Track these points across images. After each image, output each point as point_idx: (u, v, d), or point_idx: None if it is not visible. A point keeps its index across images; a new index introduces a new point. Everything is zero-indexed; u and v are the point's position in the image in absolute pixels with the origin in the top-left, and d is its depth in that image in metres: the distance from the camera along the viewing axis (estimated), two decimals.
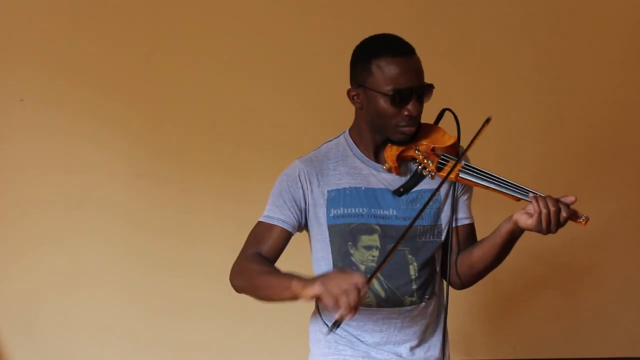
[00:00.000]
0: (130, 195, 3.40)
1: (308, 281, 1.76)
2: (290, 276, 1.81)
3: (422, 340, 2.04)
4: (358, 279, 1.69)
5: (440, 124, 2.04)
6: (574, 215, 1.82)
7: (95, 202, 3.38)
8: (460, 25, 3.49)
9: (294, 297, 1.79)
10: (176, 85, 3.42)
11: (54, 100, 3.37)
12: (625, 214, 3.53)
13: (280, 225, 1.97)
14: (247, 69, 3.43)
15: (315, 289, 1.71)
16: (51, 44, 3.37)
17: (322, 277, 1.73)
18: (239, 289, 1.97)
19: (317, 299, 1.73)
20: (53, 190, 3.37)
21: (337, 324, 1.70)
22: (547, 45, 3.52)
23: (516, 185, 1.88)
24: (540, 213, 1.80)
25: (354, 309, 1.68)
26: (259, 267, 1.90)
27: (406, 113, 1.91)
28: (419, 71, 1.92)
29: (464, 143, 1.97)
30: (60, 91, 3.37)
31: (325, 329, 2.03)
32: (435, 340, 2.07)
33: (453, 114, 1.99)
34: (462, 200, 2.06)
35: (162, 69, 3.41)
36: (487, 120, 1.94)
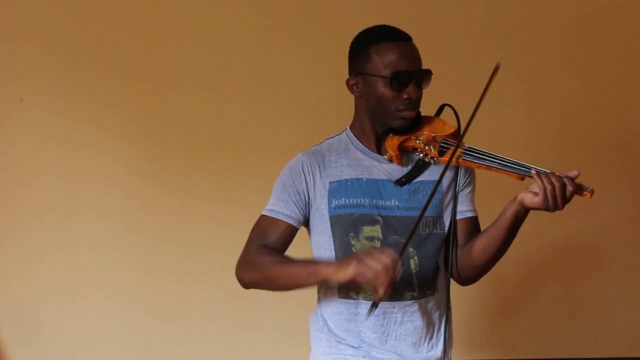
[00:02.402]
0: (129, 200, 3.39)
1: (340, 265, 1.79)
2: (313, 262, 1.84)
3: (424, 339, 2.03)
4: (391, 256, 1.73)
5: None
6: (579, 189, 1.82)
7: (95, 208, 3.37)
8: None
9: (321, 282, 1.82)
10: (176, 90, 3.41)
11: (54, 106, 3.37)
12: (625, 215, 3.53)
13: (286, 221, 1.97)
14: (248, 76, 3.42)
15: (350, 272, 1.74)
16: (52, 47, 3.37)
17: (355, 259, 1.75)
18: (247, 284, 1.95)
19: (351, 281, 1.76)
20: (53, 193, 3.37)
21: (375, 305, 1.75)
22: (541, 41, 3.52)
23: (519, 164, 1.88)
24: (545, 189, 1.80)
25: (391, 287, 1.72)
26: (271, 258, 1.90)
27: (406, 96, 1.92)
28: (416, 56, 1.94)
29: (476, 97, 1.93)
30: (61, 98, 3.36)
31: (327, 329, 2.02)
32: (438, 339, 2.05)
33: (453, 109, 2.00)
34: (465, 193, 2.05)
35: (163, 74, 3.41)
36: (496, 69, 1.92)
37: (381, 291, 1.72)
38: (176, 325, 3.41)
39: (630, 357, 3.54)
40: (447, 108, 2.03)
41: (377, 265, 1.72)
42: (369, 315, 1.85)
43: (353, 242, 1.96)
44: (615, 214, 3.49)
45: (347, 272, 1.75)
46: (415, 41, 1.97)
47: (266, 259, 1.91)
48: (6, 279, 3.36)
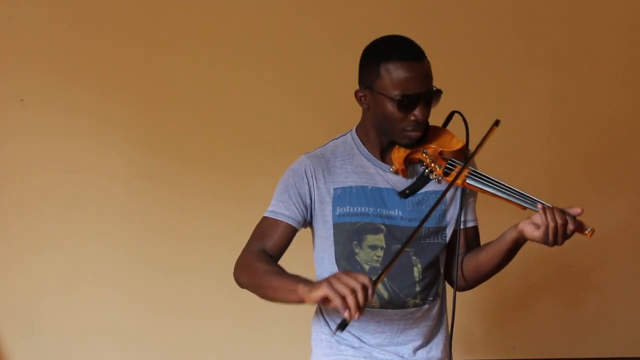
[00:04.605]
0: (129, 195, 3.40)
1: (314, 284, 1.73)
2: (297, 279, 1.79)
3: (425, 342, 2.04)
4: (364, 278, 1.67)
5: (449, 127, 2.03)
6: (580, 228, 1.82)
7: (94, 202, 3.38)
8: (466, 28, 3.50)
9: (300, 301, 1.77)
10: (176, 85, 3.42)
11: (54, 100, 3.37)
12: (626, 215, 3.53)
13: (286, 221, 1.96)
14: (248, 69, 3.43)
15: (322, 291, 1.68)
16: (51, 44, 3.37)
17: (328, 279, 1.70)
18: (242, 285, 1.96)
19: (323, 302, 1.70)
20: (53, 190, 3.37)
21: (344, 325, 1.68)
22: (552, 50, 3.53)
23: (522, 194, 1.88)
24: (547, 226, 1.80)
25: (362, 308, 1.66)
26: (264, 267, 1.89)
27: (412, 118, 1.90)
28: (427, 76, 1.91)
29: (472, 146, 1.97)
30: (60, 91, 3.37)
31: (329, 330, 2.03)
32: (438, 341, 2.07)
33: (462, 116, 1.98)
34: (468, 202, 2.06)
35: (162, 68, 3.41)
36: (496, 123, 1.94)
37: (347, 313, 1.65)
38: (176, 320, 3.41)
39: (630, 357, 3.54)
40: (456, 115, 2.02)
41: (347, 287, 1.65)
42: (334, 334, 1.82)
43: (356, 250, 1.97)
44: (615, 215, 3.49)
45: (318, 292, 1.69)
46: (429, 44, 1.95)
47: (260, 266, 1.90)
48: (5, 273, 3.37)
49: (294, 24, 3.46)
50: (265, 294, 1.88)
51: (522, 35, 3.52)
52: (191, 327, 3.41)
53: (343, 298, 1.65)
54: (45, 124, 3.37)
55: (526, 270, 3.48)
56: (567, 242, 3.54)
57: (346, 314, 1.66)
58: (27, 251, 3.37)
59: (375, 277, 1.74)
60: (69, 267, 3.38)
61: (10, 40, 3.36)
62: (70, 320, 3.38)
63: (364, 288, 1.66)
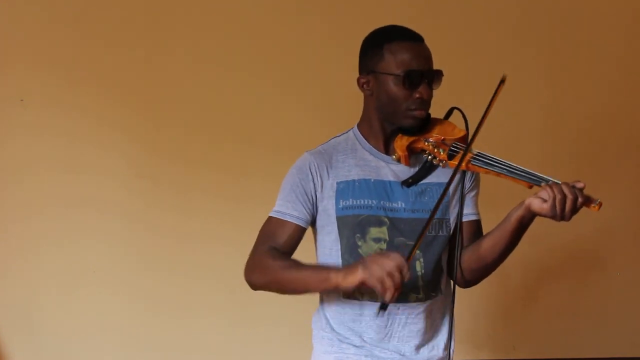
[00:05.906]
0: (129, 195, 3.39)
1: (348, 269, 1.80)
2: (325, 268, 1.86)
3: (426, 340, 2.03)
4: (398, 259, 1.74)
5: None
6: (588, 201, 1.82)
7: (94, 202, 3.37)
8: (464, 28, 3.50)
9: (333, 289, 1.83)
10: (176, 85, 3.42)
11: (54, 100, 3.37)
12: (626, 215, 3.53)
13: (294, 222, 1.97)
14: (247, 69, 3.43)
15: (359, 276, 1.75)
16: (51, 44, 3.37)
17: (363, 263, 1.77)
18: (256, 286, 1.96)
19: (359, 285, 1.77)
20: (53, 190, 3.37)
21: (385, 307, 1.76)
22: (548, 42, 3.54)
23: (529, 172, 1.88)
24: (555, 198, 1.79)
25: (399, 288, 1.73)
26: (280, 262, 1.90)
27: (417, 96, 1.92)
28: (429, 57, 1.95)
29: (482, 109, 1.94)
30: (60, 91, 3.37)
31: (330, 328, 2.03)
32: (440, 340, 2.06)
33: (461, 112, 1.99)
34: (470, 196, 2.06)
35: (162, 69, 3.41)
36: (502, 80, 1.94)
37: (388, 295, 1.72)
38: (176, 320, 3.41)
39: (630, 357, 3.54)
40: (455, 112, 2.02)
41: (383, 269, 1.72)
42: (377, 316, 1.86)
43: (359, 244, 1.96)
44: (615, 214, 3.49)
45: (355, 277, 1.76)
46: (428, 42, 1.97)
47: (275, 262, 1.91)
48: (5, 273, 3.36)
49: (294, 24, 3.46)
50: (289, 289, 1.91)
51: (520, 34, 3.52)
52: (191, 327, 3.41)
53: (381, 282, 1.72)
54: (45, 124, 3.37)
55: (526, 270, 3.49)
56: (567, 240, 3.56)
57: (387, 296, 1.73)
58: (27, 251, 3.36)
59: (407, 255, 1.78)
60: (69, 267, 3.37)
61: (10, 40, 3.36)
62: (70, 320, 3.37)
63: (399, 268, 1.72)
